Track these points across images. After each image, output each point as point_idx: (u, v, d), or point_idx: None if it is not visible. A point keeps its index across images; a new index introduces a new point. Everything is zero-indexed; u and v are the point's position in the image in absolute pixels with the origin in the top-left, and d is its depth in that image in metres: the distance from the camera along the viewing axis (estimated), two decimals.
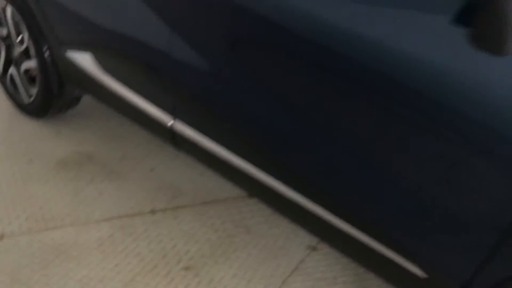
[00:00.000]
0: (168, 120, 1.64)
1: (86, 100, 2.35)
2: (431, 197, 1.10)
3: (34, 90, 2.24)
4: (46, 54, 2.07)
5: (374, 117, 1.13)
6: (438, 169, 1.06)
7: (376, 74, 1.07)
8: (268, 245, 1.82)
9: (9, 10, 2.12)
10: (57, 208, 1.89)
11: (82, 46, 1.87)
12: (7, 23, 2.16)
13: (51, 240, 1.75)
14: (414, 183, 1.11)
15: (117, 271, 1.66)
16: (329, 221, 1.31)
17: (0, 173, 2.03)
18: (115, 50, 1.74)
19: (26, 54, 2.17)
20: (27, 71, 2.24)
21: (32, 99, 2.28)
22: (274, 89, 1.32)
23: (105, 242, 1.77)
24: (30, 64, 2.18)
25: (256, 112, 1.39)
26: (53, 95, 2.19)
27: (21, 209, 1.87)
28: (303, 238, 1.84)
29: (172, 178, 2.09)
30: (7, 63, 2.30)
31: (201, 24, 1.41)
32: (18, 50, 2.20)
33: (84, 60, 1.89)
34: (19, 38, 2.15)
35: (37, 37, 2.05)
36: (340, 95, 1.18)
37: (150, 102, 1.68)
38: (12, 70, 2.28)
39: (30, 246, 1.72)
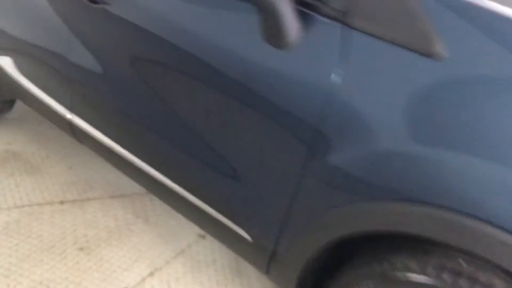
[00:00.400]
0: (67, 114, 1.85)
1: (21, 106, 2.56)
2: (237, 167, 1.32)
3: None
4: None
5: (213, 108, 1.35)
6: (236, 140, 1.29)
7: (203, 65, 1.30)
8: (162, 233, 2.01)
9: None
10: None
11: (4, 51, 2.10)
12: None
13: None
14: (223, 153, 1.34)
15: (15, 249, 1.84)
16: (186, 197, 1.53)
17: None
18: (27, 54, 1.96)
19: None
20: None
21: None
22: (154, 92, 1.54)
23: (11, 225, 1.95)
24: None
25: (136, 109, 1.61)
26: None
27: None
28: (195, 228, 2.02)
29: (87, 175, 2.28)
30: None
31: (92, 34, 1.65)
32: None
33: (6, 64, 2.11)
34: None
35: None
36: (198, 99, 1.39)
37: (53, 99, 1.89)
38: None
39: None
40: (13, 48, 2.04)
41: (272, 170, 1.25)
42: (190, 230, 2.02)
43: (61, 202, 2.11)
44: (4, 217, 1.98)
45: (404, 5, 1.00)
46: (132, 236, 1.97)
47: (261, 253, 1.38)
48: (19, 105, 2.56)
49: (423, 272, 1.04)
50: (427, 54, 0.98)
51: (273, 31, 1.11)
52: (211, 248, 1.95)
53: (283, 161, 1.21)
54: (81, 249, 1.88)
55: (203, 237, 2.00)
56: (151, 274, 1.82)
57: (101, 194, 2.19)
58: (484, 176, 0.94)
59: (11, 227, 1.94)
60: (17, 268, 1.76)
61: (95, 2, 1.55)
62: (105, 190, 2.21)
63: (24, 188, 2.16)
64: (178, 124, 1.47)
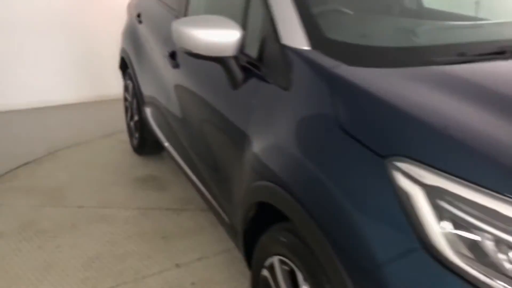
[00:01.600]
0: (165, 143, 2.73)
1: None
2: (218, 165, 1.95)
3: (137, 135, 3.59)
4: (142, 112, 3.37)
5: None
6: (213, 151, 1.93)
7: None
8: (221, 235, 2.66)
9: (130, 85, 3.53)
10: (111, 193, 3.09)
11: (146, 105, 3.13)
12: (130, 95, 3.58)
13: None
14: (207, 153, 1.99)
15: (123, 230, 2.71)
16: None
17: (107, 169, 3.34)
18: (153, 105, 2.94)
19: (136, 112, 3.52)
20: (136, 122, 3.58)
21: (136, 142, 3.62)
22: None
23: (129, 218, 2.85)
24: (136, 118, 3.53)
25: (189, 137, 2.40)
26: (143, 140, 3.49)
27: (91, 190, 3.10)
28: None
29: (194, 194, 3.09)
30: (131, 116, 3.68)
31: (175, 89, 2.51)
32: (133, 108, 3.57)
33: (148, 112, 3.14)
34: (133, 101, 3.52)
35: (137, 97, 3.37)
36: None
37: (161, 132, 2.81)
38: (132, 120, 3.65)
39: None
40: (148, 102, 3.06)
41: (231, 163, 1.85)
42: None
43: (167, 209, 2.95)
44: (127, 212, 2.90)
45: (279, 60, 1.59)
46: (200, 235, 2.67)
47: (233, 230, 1.95)
48: None
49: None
50: (284, 88, 1.54)
51: (230, 80, 1.79)
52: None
53: (233, 155, 1.80)
54: (163, 237, 2.66)
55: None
56: (199, 259, 2.47)
57: (196, 207, 2.96)
58: None
59: (128, 220, 2.84)
60: (119, 239, 2.62)
61: (176, 67, 2.42)
62: (199, 205, 2.98)
63: (148, 198, 3.07)
64: (202, 142, 2.18)
